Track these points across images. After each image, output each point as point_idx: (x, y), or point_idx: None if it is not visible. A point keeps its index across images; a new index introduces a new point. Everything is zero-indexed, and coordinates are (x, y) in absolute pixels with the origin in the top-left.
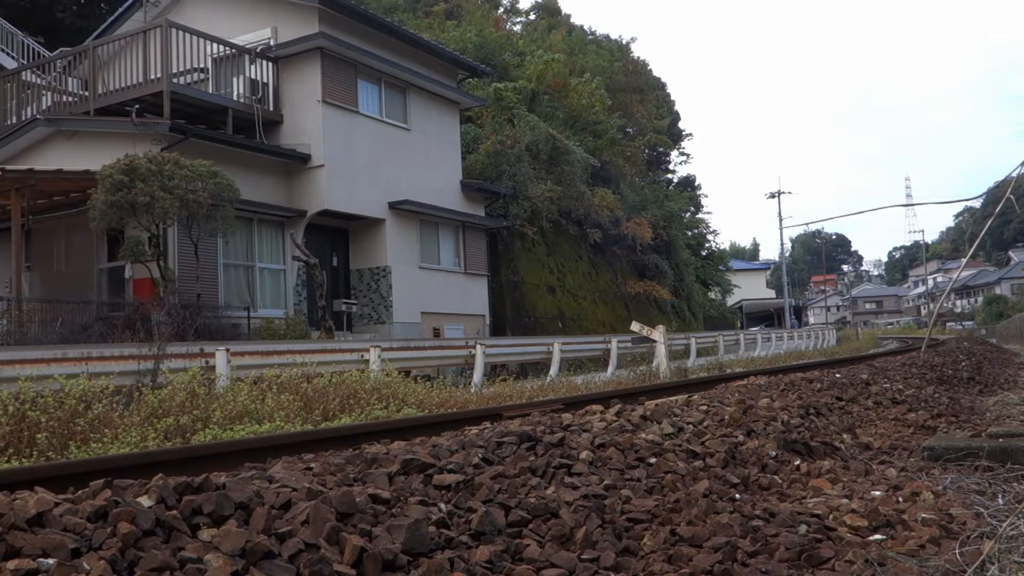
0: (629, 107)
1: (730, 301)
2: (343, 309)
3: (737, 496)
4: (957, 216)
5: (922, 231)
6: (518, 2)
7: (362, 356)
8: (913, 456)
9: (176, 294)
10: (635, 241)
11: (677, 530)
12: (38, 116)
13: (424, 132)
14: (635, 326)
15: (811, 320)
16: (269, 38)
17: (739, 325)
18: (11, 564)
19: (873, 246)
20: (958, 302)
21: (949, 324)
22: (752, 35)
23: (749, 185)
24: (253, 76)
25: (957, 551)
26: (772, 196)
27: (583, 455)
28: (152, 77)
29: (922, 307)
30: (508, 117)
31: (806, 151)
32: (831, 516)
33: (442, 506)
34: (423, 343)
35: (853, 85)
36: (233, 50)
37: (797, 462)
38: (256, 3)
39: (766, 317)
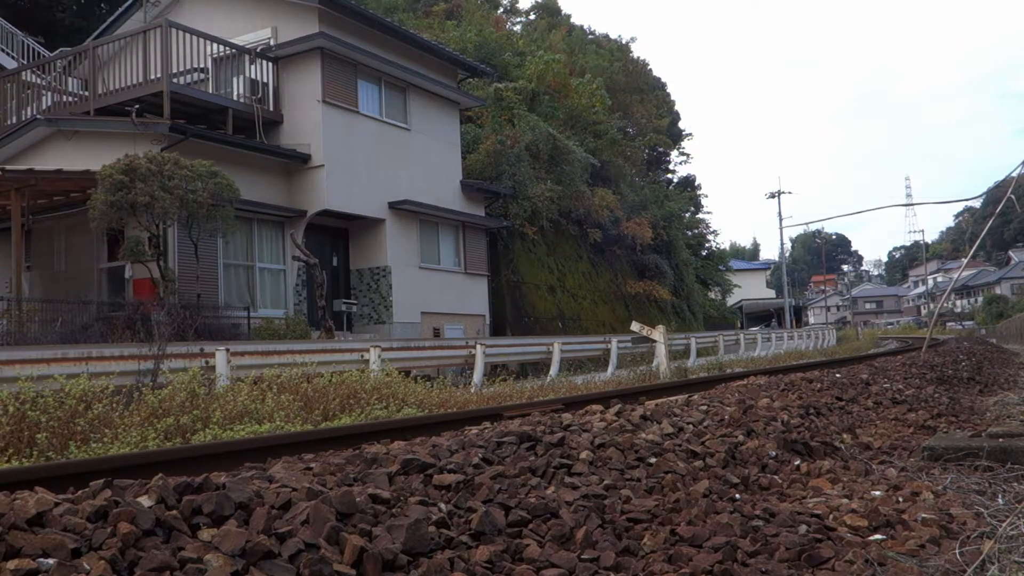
0: (629, 107)
1: (730, 301)
2: (343, 309)
3: (737, 496)
4: (957, 216)
5: (922, 231)
6: (518, 2)
7: (362, 356)
8: (913, 456)
9: (176, 294)
10: (635, 241)
11: (677, 530)
12: (38, 116)
13: (424, 132)
14: (635, 326)
15: (811, 320)
16: (269, 38)
17: (739, 325)
18: (11, 564)
19: (873, 246)
20: (958, 302)
21: (949, 324)
22: (752, 35)
23: (749, 185)
24: (253, 76)
25: (957, 551)
26: (772, 196)
27: (583, 455)
28: (152, 77)
29: (922, 307)
30: (508, 117)
31: (806, 151)
32: (831, 516)
33: (442, 506)
34: (423, 343)
35: (852, 84)
36: (233, 50)
37: (797, 462)
38: (256, 3)
39: (766, 317)
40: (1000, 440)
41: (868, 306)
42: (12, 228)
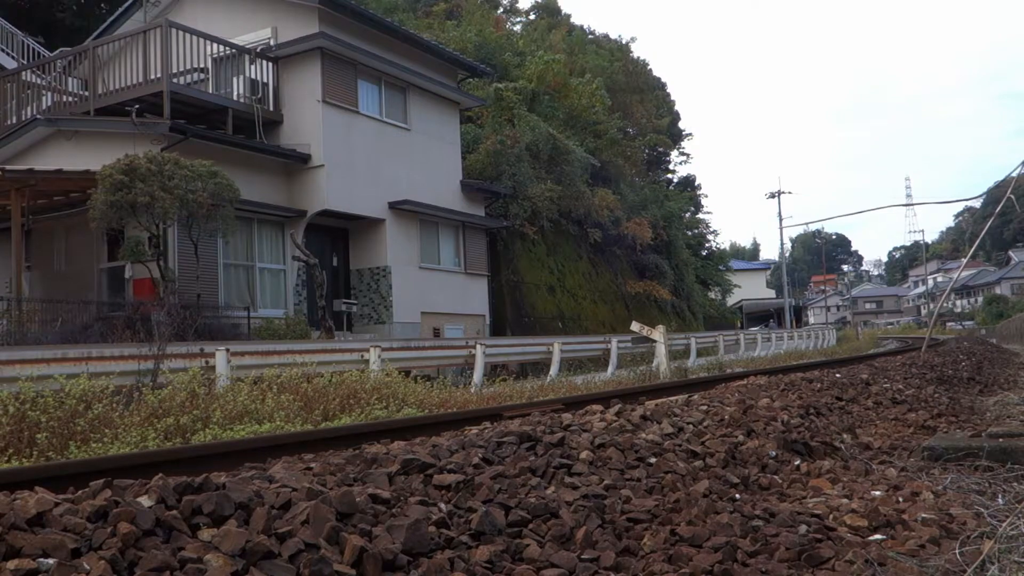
0: (629, 107)
1: (730, 301)
2: (343, 309)
3: (737, 496)
4: (957, 216)
5: (922, 231)
6: (518, 2)
7: (362, 356)
8: (913, 456)
9: (176, 294)
10: (635, 241)
11: (677, 530)
12: (38, 116)
13: (424, 132)
14: (635, 326)
15: (811, 320)
16: (269, 38)
17: (739, 325)
18: (11, 564)
19: (873, 246)
20: (958, 302)
21: (949, 324)
22: (751, 35)
23: (749, 185)
24: (253, 76)
25: (957, 551)
26: (772, 196)
27: (583, 455)
28: (152, 77)
29: (922, 307)
30: (508, 117)
31: (805, 151)
32: (831, 516)
33: (442, 506)
34: (423, 343)
35: (851, 84)
36: (233, 50)
37: (797, 462)
38: (256, 3)
39: (766, 317)
40: (1000, 440)
41: (868, 306)
42: (12, 228)
